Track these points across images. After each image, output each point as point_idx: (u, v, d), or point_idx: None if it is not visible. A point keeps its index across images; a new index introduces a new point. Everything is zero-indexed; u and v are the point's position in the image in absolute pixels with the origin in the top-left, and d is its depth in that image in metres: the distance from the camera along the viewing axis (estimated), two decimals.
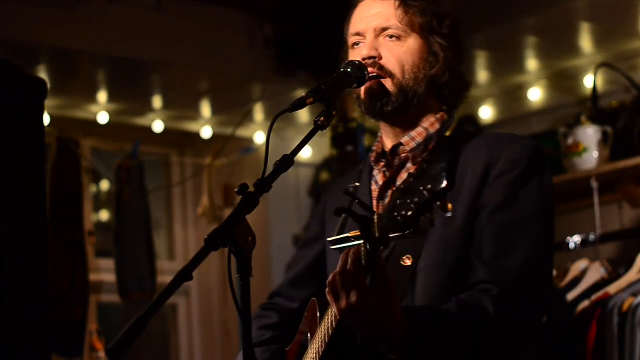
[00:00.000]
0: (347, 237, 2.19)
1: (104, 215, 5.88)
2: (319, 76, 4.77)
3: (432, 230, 2.01)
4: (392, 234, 1.86)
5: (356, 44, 2.37)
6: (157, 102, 5.22)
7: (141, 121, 5.43)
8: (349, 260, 1.95)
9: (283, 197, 5.73)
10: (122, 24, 4.46)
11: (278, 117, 2.07)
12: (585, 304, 4.06)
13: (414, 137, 2.32)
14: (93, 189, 5.72)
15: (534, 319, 2.19)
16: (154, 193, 5.49)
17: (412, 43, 2.30)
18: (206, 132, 5.59)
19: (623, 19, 4.36)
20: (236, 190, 1.97)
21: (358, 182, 2.43)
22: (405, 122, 2.34)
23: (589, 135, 4.54)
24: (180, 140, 5.83)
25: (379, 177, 2.38)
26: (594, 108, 4.70)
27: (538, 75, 4.97)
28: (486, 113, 5.27)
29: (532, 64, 4.84)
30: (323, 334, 2.15)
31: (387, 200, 2.32)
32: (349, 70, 2.23)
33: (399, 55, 2.30)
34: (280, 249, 5.79)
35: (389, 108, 2.30)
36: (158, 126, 5.43)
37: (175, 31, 4.59)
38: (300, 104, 2.13)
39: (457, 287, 2.17)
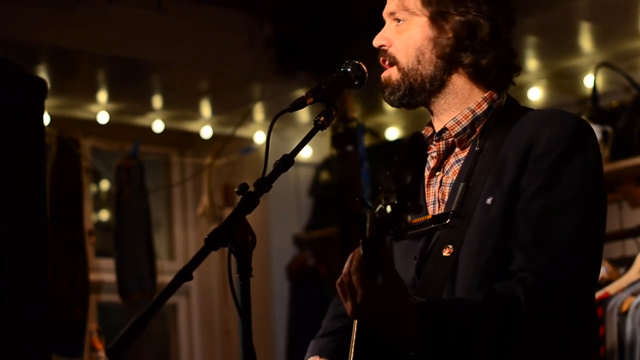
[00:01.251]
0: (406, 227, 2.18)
1: (104, 215, 5.88)
2: (319, 76, 4.77)
3: (471, 221, 1.98)
4: (380, 234, 1.81)
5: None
6: (157, 101, 5.22)
7: (141, 121, 5.43)
8: (353, 261, 1.89)
9: (283, 197, 5.73)
10: (122, 23, 4.46)
11: (278, 116, 2.06)
12: None
13: (460, 121, 2.22)
14: (93, 188, 5.72)
15: (570, 310, 2.05)
16: (154, 193, 5.49)
17: (414, 24, 2.21)
18: (206, 132, 5.59)
19: (623, 19, 4.36)
20: (236, 190, 1.97)
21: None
22: (440, 105, 2.25)
23: None
24: (180, 140, 5.84)
25: (431, 162, 2.28)
26: (594, 108, 4.70)
27: (538, 75, 4.97)
28: None
29: (532, 63, 4.84)
30: (354, 329, 2.09)
31: (435, 188, 2.24)
32: (349, 69, 2.21)
33: (402, 39, 2.23)
34: (280, 249, 5.79)
35: (395, 97, 2.24)
36: (158, 126, 5.43)
37: (175, 31, 4.59)
38: (300, 104, 2.12)
39: (498, 275, 2.06)
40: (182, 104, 5.30)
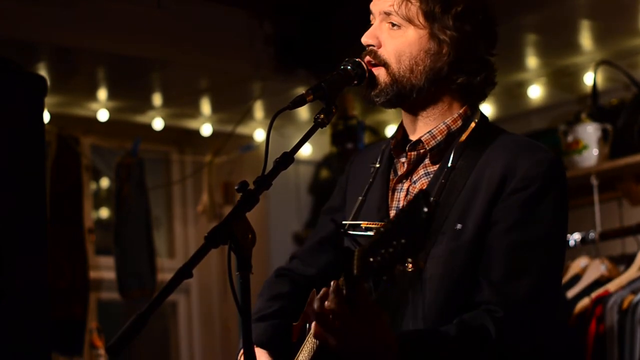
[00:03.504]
0: (359, 225, 2.21)
1: (104, 213, 5.88)
2: (318, 74, 4.77)
3: (440, 239, 2.04)
4: (368, 275, 1.83)
5: (370, 23, 2.30)
6: (157, 99, 5.22)
7: (141, 119, 5.43)
8: (331, 298, 1.91)
9: (283, 195, 5.73)
10: (122, 21, 4.46)
11: (278, 114, 2.07)
12: (585, 301, 4.06)
13: (435, 135, 2.26)
14: (93, 186, 5.72)
15: (536, 345, 2.13)
16: (153, 190, 5.49)
17: (412, 34, 2.22)
18: (206, 130, 5.59)
19: (623, 17, 4.35)
20: (236, 187, 1.97)
21: (379, 163, 2.38)
22: (418, 112, 2.28)
23: (589, 132, 4.54)
24: (180, 138, 5.84)
25: (397, 166, 2.33)
26: (594, 105, 4.69)
27: (538, 73, 4.97)
28: (486, 110, 5.26)
29: (532, 61, 4.84)
30: (314, 342, 2.11)
31: (401, 195, 2.28)
32: (348, 67, 2.22)
33: (396, 44, 2.23)
34: (280, 247, 5.79)
35: (380, 99, 2.26)
36: (158, 124, 5.42)
37: (175, 29, 4.59)
38: (300, 102, 2.12)
39: (461, 302, 2.12)
40: (182, 102, 5.29)
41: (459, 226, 2.13)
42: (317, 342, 2.08)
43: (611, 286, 4.06)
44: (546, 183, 2.15)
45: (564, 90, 5.06)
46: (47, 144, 4.83)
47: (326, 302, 1.92)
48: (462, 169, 2.20)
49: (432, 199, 1.76)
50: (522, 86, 5.06)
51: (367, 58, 2.25)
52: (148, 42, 4.55)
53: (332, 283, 1.93)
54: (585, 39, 4.58)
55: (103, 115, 5.20)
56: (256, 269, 1.95)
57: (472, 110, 2.29)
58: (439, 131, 2.26)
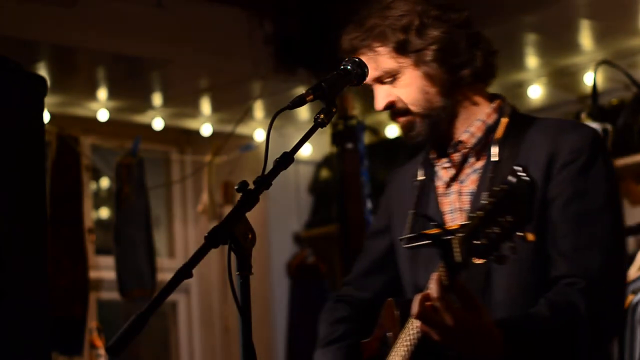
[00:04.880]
0: (419, 235, 2.25)
1: (104, 213, 5.88)
2: (318, 73, 4.78)
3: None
4: (474, 259, 1.90)
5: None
6: (157, 99, 5.22)
7: (141, 118, 5.43)
8: (434, 287, 1.98)
9: (283, 195, 5.74)
10: (122, 21, 4.46)
11: (278, 114, 2.07)
12: None
13: (474, 133, 2.33)
14: (93, 186, 5.72)
15: (620, 311, 2.22)
16: (153, 190, 5.49)
17: (405, 76, 2.31)
18: (206, 130, 5.59)
19: (623, 16, 4.36)
20: (236, 187, 1.97)
21: (422, 176, 2.44)
22: (453, 123, 2.35)
23: None
24: (180, 138, 5.84)
25: (441, 173, 2.39)
26: (594, 105, 4.69)
27: (538, 73, 4.97)
28: None
29: (532, 61, 4.84)
30: (407, 345, 2.16)
31: (452, 197, 2.34)
32: (348, 67, 2.22)
33: (403, 94, 2.32)
34: (280, 247, 5.79)
35: (421, 139, 2.34)
36: (158, 123, 5.43)
37: (175, 28, 4.59)
38: (300, 101, 2.12)
39: (537, 280, 2.18)
40: (182, 102, 5.30)
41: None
42: (408, 346, 2.13)
43: None
44: (594, 153, 2.22)
45: (564, 90, 5.07)
46: (47, 144, 4.83)
47: (429, 293, 1.98)
48: (507, 159, 2.25)
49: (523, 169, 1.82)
50: (522, 86, 5.06)
51: (393, 118, 2.35)
52: (148, 42, 4.55)
53: (432, 275, 1.99)
54: (585, 39, 4.59)
55: (103, 115, 5.20)
56: (256, 269, 1.95)
57: (503, 103, 2.37)
58: (476, 128, 2.33)
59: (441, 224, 2.25)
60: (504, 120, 2.33)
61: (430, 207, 2.38)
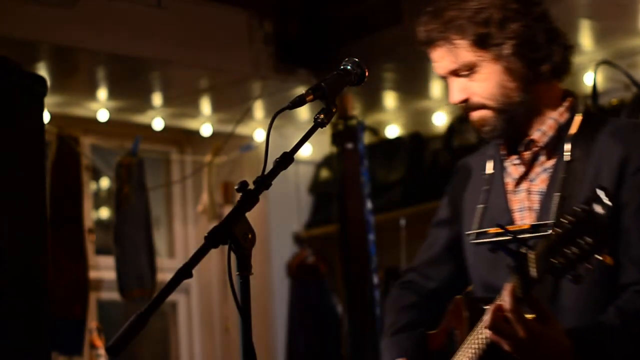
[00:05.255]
0: (486, 232, 2.25)
1: (104, 213, 5.88)
2: (318, 73, 4.78)
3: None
4: (549, 276, 1.90)
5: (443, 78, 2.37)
6: (157, 99, 5.22)
7: (141, 118, 5.43)
8: (507, 299, 1.99)
9: (283, 195, 5.73)
10: (122, 21, 4.46)
11: (278, 114, 2.07)
12: None
13: (546, 132, 2.31)
14: (93, 186, 5.72)
15: None
16: (153, 190, 5.49)
17: (484, 69, 2.27)
18: (206, 130, 5.59)
19: (623, 17, 4.35)
20: (236, 187, 1.97)
21: (491, 170, 2.41)
22: (528, 119, 2.32)
23: None
24: (180, 138, 5.84)
25: (511, 169, 2.37)
26: (594, 105, 4.69)
27: None
28: None
29: None
30: (474, 348, 2.16)
31: (521, 196, 2.32)
32: (348, 67, 2.22)
33: (480, 88, 2.28)
34: (280, 247, 5.79)
35: (496, 134, 2.31)
36: (158, 123, 5.42)
37: (175, 28, 4.59)
38: (300, 101, 2.12)
39: (605, 287, 2.17)
40: (182, 102, 5.30)
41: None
42: (476, 350, 2.14)
43: None
44: None
45: None
46: (47, 144, 4.82)
47: (502, 305, 1.99)
48: (579, 160, 2.23)
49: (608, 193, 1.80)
50: None
51: (466, 112, 2.32)
52: (148, 42, 4.55)
53: (505, 286, 2.00)
54: (586, 39, 4.58)
55: (103, 115, 5.20)
56: (256, 269, 1.95)
57: (575, 102, 2.34)
58: (548, 127, 2.30)
59: (510, 223, 2.25)
60: (578, 118, 2.30)
61: (499, 203, 2.35)
